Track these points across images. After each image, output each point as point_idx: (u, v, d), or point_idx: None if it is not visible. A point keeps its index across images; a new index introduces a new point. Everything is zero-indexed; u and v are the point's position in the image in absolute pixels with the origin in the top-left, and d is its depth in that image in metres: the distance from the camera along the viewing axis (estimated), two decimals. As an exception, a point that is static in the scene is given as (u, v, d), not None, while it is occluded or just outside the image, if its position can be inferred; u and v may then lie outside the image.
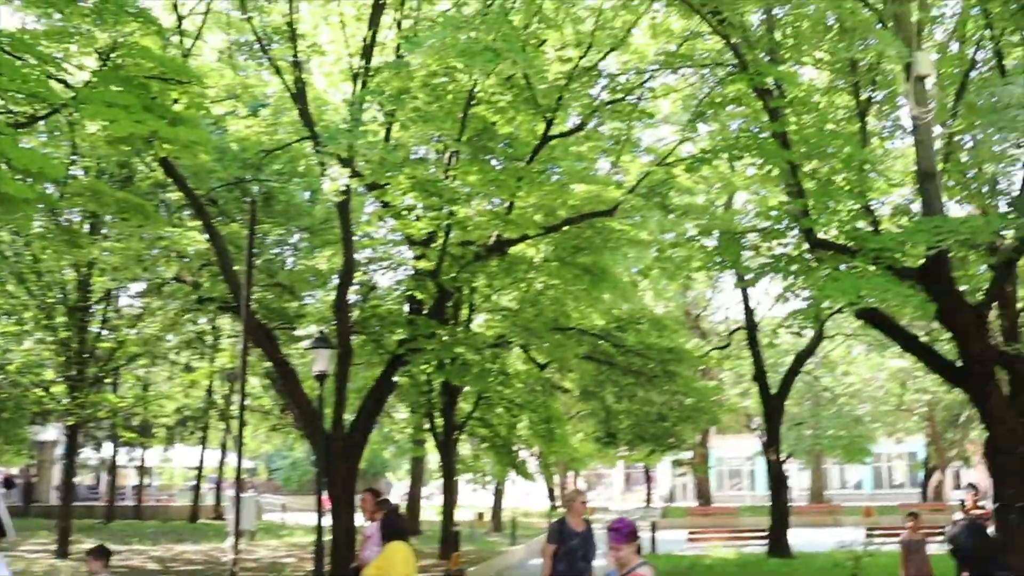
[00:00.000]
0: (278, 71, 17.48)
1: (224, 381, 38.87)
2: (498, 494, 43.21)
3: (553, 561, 10.93)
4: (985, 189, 16.02)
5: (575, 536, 10.98)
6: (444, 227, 18.70)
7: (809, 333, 27.53)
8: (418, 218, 18.68)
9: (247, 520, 28.55)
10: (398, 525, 9.75)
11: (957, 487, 56.13)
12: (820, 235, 13.94)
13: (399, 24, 17.74)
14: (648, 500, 59.89)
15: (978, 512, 17.04)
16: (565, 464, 47.21)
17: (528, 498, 59.62)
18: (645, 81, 18.16)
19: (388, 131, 17.48)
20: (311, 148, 17.96)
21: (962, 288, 14.99)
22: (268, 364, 21.62)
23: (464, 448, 33.72)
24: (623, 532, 6.66)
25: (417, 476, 40.21)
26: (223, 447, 45.17)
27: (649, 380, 26.99)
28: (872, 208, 14.78)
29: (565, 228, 20.74)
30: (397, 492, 72.98)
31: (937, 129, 14.15)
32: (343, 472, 18.51)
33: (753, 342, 29.17)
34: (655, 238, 23.37)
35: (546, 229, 20.29)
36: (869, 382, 46.40)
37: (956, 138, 15.62)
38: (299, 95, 17.33)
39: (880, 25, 12.66)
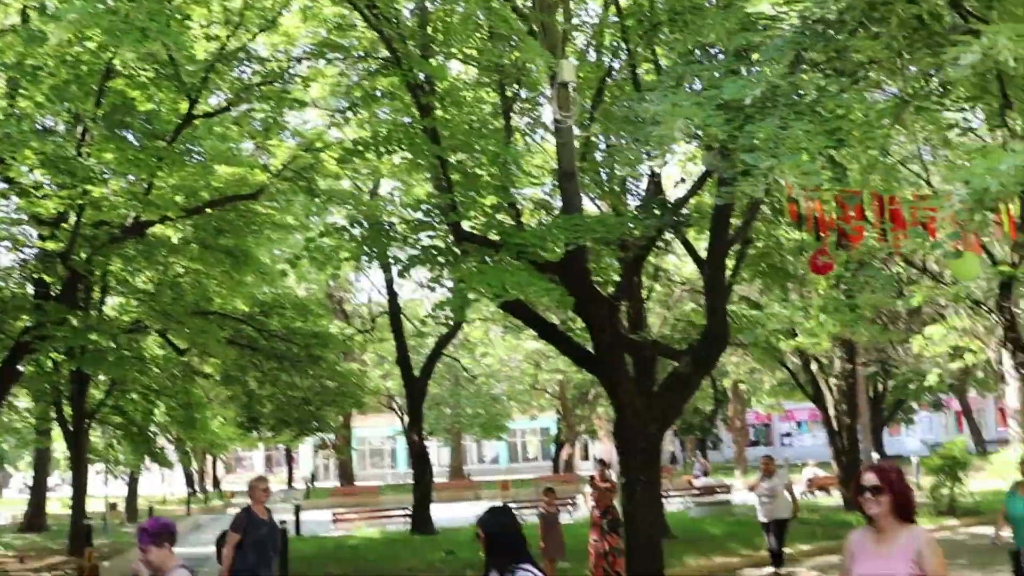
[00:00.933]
0: None
1: None
2: (133, 483, 41.31)
3: (238, 552, 10.50)
4: (617, 189, 17.09)
5: (263, 525, 10.62)
6: (76, 207, 17.53)
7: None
8: (47, 196, 17.37)
9: None
10: None
11: (585, 459, 59.98)
12: (467, 228, 14.30)
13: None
14: (290, 482, 59.38)
15: (605, 485, 18.23)
16: (204, 449, 45.89)
17: (165, 485, 57.45)
18: (295, 65, 17.86)
19: (12, 101, 16.13)
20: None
21: (596, 280, 15.92)
22: None
23: (96, 436, 31.92)
24: (151, 532, 6.27)
25: (42, 467, 37.58)
26: None
27: (293, 364, 26.70)
28: (515, 203, 15.34)
29: (208, 210, 20.05)
30: (16, 484, 67.93)
31: (576, 130, 14.89)
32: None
33: (397, 325, 29.52)
34: (301, 222, 23.15)
35: (188, 211, 19.51)
36: (506, 363, 48.40)
37: (593, 139, 16.53)
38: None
39: (528, 32, 13.13)
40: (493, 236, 14.19)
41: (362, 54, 16.50)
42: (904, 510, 5.35)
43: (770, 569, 18.59)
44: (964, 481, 25.88)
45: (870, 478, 5.40)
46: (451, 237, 14.31)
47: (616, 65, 16.06)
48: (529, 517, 25.58)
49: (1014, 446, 29.20)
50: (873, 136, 8.08)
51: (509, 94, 16.33)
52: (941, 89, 8.26)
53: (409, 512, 28.85)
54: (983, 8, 7.39)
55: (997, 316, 23.43)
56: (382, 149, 14.42)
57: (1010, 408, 38.61)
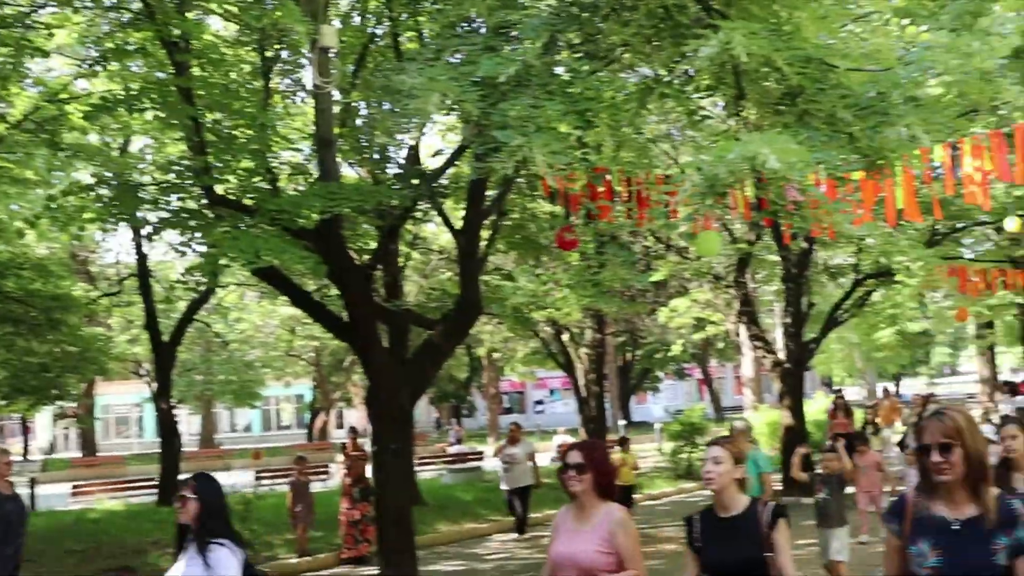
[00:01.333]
0: None
1: None
2: None
3: None
4: (376, 157, 17.04)
5: (7, 501, 9.94)
6: None
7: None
8: None
9: None
10: None
11: (340, 427, 59.74)
12: (221, 192, 13.91)
13: None
14: (26, 453, 56.27)
15: (357, 454, 18.24)
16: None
17: None
18: (38, 8, 16.78)
19: None
20: None
21: (351, 248, 15.84)
22: None
23: None
24: None
25: None
26: None
27: (31, 329, 25.28)
28: (272, 167, 15.01)
29: (-64, 161, 18.70)
30: None
31: (337, 95, 14.71)
32: None
33: (145, 288, 28.40)
34: (42, 178, 21.92)
35: (-85, 162, 18.15)
36: (260, 328, 47.53)
37: (353, 105, 16.39)
38: None
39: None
40: (248, 201, 13.86)
41: (113, 2, 15.67)
42: (605, 488, 5.50)
43: (515, 534, 19.23)
44: (701, 446, 27.45)
45: (574, 456, 5.53)
46: (204, 200, 13.90)
47: (380, 32, 15.96)
48: (281, 486, 25.34)
49: (748, 412, 31.18)
50: (619, 118, 8.44)
51: (269, 55, 15.96)
52: (685, 76, 8.70)
53: (156, 483, 27.99)
54: (723, 4, 7.82)
55: (735, 290, 24.87)
56: (134, 104, 13.77)
57: (745, 377, 41.23)
